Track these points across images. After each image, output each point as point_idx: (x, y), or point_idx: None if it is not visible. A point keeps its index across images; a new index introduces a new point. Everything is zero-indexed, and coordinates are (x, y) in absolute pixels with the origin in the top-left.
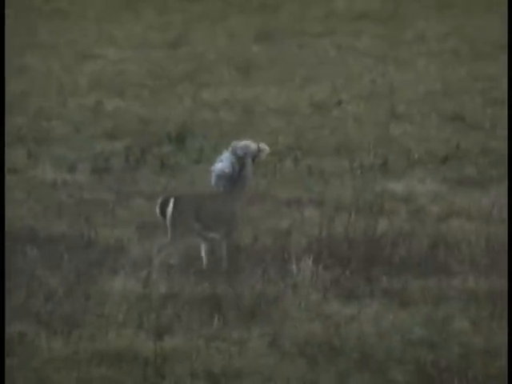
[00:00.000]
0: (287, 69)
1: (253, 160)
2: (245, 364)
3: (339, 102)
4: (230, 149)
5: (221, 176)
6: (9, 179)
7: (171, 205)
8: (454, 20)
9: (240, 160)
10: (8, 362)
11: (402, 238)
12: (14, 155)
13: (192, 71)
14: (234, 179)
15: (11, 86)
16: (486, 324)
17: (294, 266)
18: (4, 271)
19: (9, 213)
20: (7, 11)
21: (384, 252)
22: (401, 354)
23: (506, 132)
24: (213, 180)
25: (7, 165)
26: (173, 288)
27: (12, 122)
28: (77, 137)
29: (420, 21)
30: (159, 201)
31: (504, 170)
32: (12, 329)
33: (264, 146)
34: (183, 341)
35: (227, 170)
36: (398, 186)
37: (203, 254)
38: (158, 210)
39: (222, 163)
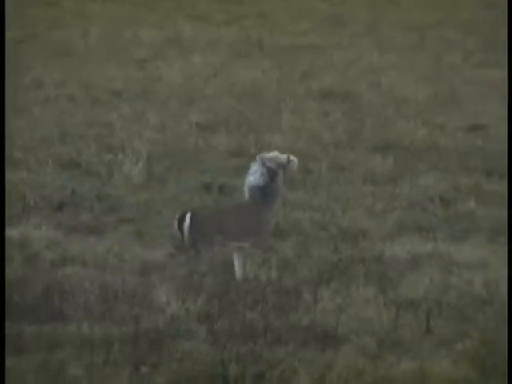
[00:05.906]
0: None
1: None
2: None
3: None
4: (259, 161)
5: (254, 188)
6: None
7: (188, 219)
8: (71, 67)
9: (270, 171)
10: None
11: (16, 283)
12: None
13: None
14: (266, 190)
15: None
16: (100, 370)
17: None
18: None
19: None
20: None
21: None
22: None
23: (122, 178)
24: (246, 193)
25: None
26: None
27: None
28: None
29: (37, 67)
30: (177, 216)
31: (118, 217)
32: None
33: (293, 158)
34: None
35: (261, 183)
36: (13, 232)
37: (236, 265)
38: (176, 226)
39: (253, 176)
